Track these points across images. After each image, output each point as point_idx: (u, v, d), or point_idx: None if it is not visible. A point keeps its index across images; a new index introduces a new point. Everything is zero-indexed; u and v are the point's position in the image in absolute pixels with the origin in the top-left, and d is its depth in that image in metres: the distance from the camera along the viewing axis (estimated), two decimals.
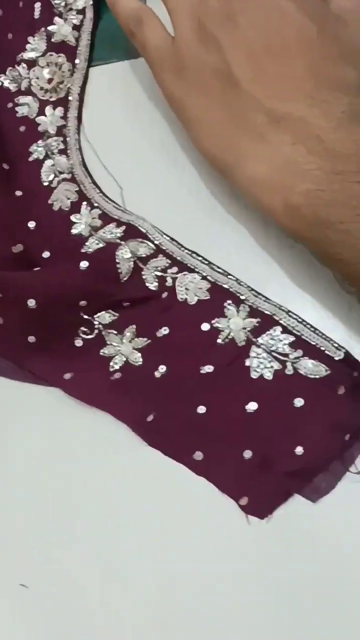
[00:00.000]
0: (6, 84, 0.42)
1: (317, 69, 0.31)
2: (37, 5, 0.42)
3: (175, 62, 0.34)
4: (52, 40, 0.42)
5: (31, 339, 0.35)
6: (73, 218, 0.38)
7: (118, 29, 0.41)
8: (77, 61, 0.42)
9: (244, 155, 0.32)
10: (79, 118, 0.41)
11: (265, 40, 0.32)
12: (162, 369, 0.34)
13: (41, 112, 0.41)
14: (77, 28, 0.42)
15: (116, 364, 0.35)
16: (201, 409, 0.32)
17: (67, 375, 0.35)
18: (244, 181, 0.32)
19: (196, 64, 0.33)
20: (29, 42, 0.42)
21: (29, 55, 0.42)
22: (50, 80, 0.41)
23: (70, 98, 0.41)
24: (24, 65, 0.42)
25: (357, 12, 0.34)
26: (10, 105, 0.42)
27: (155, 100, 0.39)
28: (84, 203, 0.38)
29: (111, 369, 0.35)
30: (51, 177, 0.39)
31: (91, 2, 0.42)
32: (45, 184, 0.39)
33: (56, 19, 0.42)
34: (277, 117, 0.31)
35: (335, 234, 0.29)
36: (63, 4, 0.42)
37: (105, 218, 0.37)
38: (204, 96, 0.33)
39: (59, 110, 0.41)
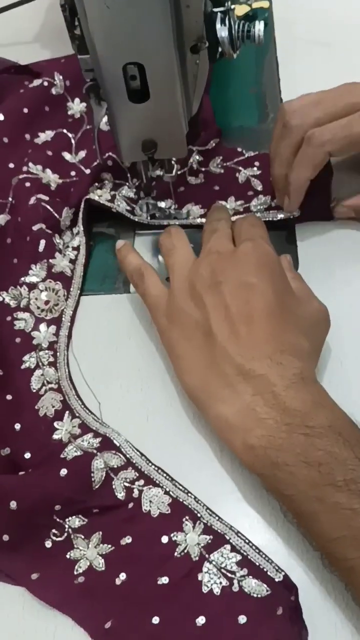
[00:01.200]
0: (7, 299, 0.49)
1: (277, 336, 0.39)
2: (42, 242, 0.50)
3: (168, 309, 0.43)
4: (52, 270, 0.50)
5: (5, 537, 0.39)
6: (56, 424, 0.43)
7: (109, 269, 0.51)
8: (71, 289, 0.50)
9: (215, 396, 0.39)
10: (69, 336, 0.48)
11: (239, 308, 0.40)
12: (123, 576, 0.37)
13: (36, 327, 0.48)
14: (72, 262, 0.51)
15: (80, 567, 0.38)
16: (155, 619, 0.36)
17: (34, 575, 0.38)
18: (213, 417, 0.39)
19: (184, 315, 0.42)
20: (31, 269, 0.50)
21: (30, 279, 0.50)
22: (47, 302, 0.49)
23: (63, 319, 0.49)
24: (26, 287, 0.49)
25: (308, 293, 0.43)
26: (9, 318, 0.49)
27: (133, 332, 0.47)
28: (67, 412, 0.44)
29: (76, 572, 0.38)
30: (39, 385, 0.45)
31: (84, 241, 0.52)
32: (34, 390, 0.45)
33: (57, 254, 0.51)
34: (243, 371, 0.38)
35: (282, 474, 0.35)
36: (62, 242, 0.52)
37: (84, 428, 0.43)
38: (187, 340, 0.41)
39: (52, 328, 0.48)
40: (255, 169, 0.54)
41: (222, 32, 0.40)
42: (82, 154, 0.56)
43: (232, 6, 0.40)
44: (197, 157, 0.55)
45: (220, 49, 0.41)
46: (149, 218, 0.52)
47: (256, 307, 0.40)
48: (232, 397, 0.38)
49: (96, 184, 0.53)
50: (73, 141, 0.57)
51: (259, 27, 0.41)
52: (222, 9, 0.40)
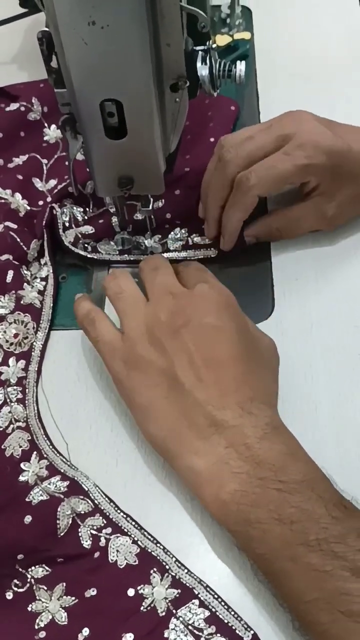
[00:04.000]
0: None
1: (246, 381, 0.38)
2: (10, 272, 0.49)
3: (124, 356, 0.41)
4: (22, 302, 0.48)
5: None
6: (22, 466, 0.42)
7: None
8: (41, 321, 0.48)
9: (185, 446, 0.37)
10: (39, 372, 0.46)
11: (203, 353, 0.39)
12: (86, 631, 0.36)
13: (5, 362, 0.46)
14: (41, 293, 0.50)
15: (42, 621, 0.37)
16: None
17: None
18: (183, 469, 0.38)
19: (144, 361, 0.40)
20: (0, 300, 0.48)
21: None
22: (16, 335, 0.47)
23: (33, 353, 0.47)
24: None
25: (257, 329, 0.42)
26: None
27: (104, 371, 0.45)
28: (35, 453, 0.42)
29: (37, 627, 0.36)
30: (7, 423, 0.44)
31: (52, 271, 0.50)
32: (1, 429, 0.43)
33: (25, 284, 0.49)
34: (215, 422, 0.37)
35: (254, 531, 0.34)
36: (30, 273, 0.50)
37: (52, 469, 0.41)
38: (150, 388, 0.39)
39: (21, 363, 0.46)
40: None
41: (202, 70, 0.39)
42: (53, 182, 0.55)
43: (214, 44, 0.39)
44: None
45: (200, 87, 0.40)
46: (117, 253, 0.51)
47: (222, 351, 0.39)
48: (205, 449, 0.37)
49: (57, 210, 0.51)
50: (45, 168, 0.56)
51: (241, 67, 0.40)
52: (203, 47, 0.39)
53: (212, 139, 0.55)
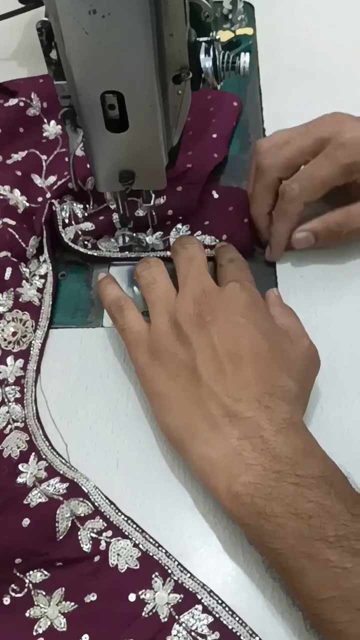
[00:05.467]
0: None
1: (265, 377, 0.38)
2: (9, 269, 0.48)
3: (150, 347, 0.41)
4: (20, 300, 0.47)
5: None
6: (20, 467, 0.41)
7: (81, 301, 0.48)
8: (40, 320, 0.47)
9: (199, 437, 0.37)
10: (38, 371, 0.45)
11: (227, 348, 0.38)
12: (86, 638, 0.35)
13: (2, 361, 0.46)
14: (40, 290, 0.49)
15: (40, 627, 0.36)
16: None
17: None
18: (195, 459, 0.37)
19: (168, 353, 0.40)
20: None
21: None
22: (14, 333, 0.46)
23: (31, 352, 0.46)
24: None
25: (298, 330, 0.42)
26: None
27: (105, 370, 0.45)
28: (33, 454, 0.41)
29: (35, 633, 0.35)
30: (4, 423, 0.43)
31: (51, 268, 0.49)
32: None
33: (24, 282, 0.48)
34: (229, 412, 0.36)
35: (269, 525, 0.33)
36: (28, 271, 0.49)
37: (51, 471, 0.40)
38: (170, 379, 0.39)
39: (20, 362, 0.45)
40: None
41: (206, 62, 0.38)
42: (52, 179, 0.54)
43: (217, 36, 0.38)
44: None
45: (203, 79, 0.39)
46: (118, 250, 0.50)
47: (245, 347, 0.38)
48: (218, 439, 0.36)
49: (56, 206, 0.51)
50: (44, 164, 0.55)
51: (245, 59, 0.39)
52: (206, 38, 0.38)
53: (214, 135, 0.54)
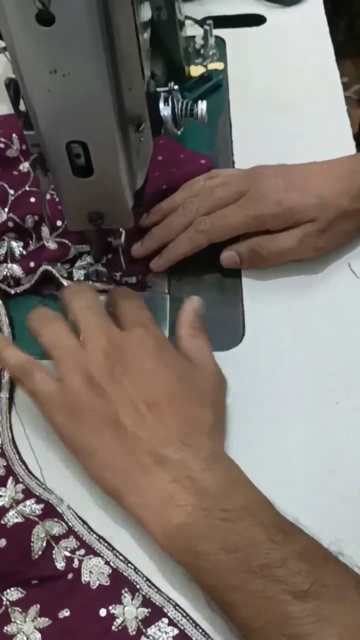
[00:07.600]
0: None
1: (183, 416, 0.40)
2: None
3: (66, 405, 0.41)
4: None
5: None
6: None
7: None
8: None
9: (133, 484, 0.39)
10: (11, 398, 0.48)
11: (143, 395, 0.40)
12: None
13: None
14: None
15: None
16: None
17: None
18: (131, 505, 0.39)
19: (88, 409, 0.40)
20: None
21: None
22: None
23: (2, 380, 0.48)
24: None
25: (204, 355, 0.44)
26: None
27: None
28: (11, 478, 0.44)
29: None
30: None
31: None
32: None
33: None
34: (158, 458, 0.38)
35: (204, 563, 0.35)
36: None
37: (27, 493, 0.43)
38: (96, 436, 0.40)
39: None
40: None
41: (164, 111, 0.41)
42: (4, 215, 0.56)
43: (175, 86, 0.41)
44: None
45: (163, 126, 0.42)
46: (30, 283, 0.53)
47: (159, 392, 0.40)
48: (150, 485, 0.38)
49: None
50: (10, 198, 0.57)
51: (202, 106, 0.42)
52: (165, 88, 0.41)
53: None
